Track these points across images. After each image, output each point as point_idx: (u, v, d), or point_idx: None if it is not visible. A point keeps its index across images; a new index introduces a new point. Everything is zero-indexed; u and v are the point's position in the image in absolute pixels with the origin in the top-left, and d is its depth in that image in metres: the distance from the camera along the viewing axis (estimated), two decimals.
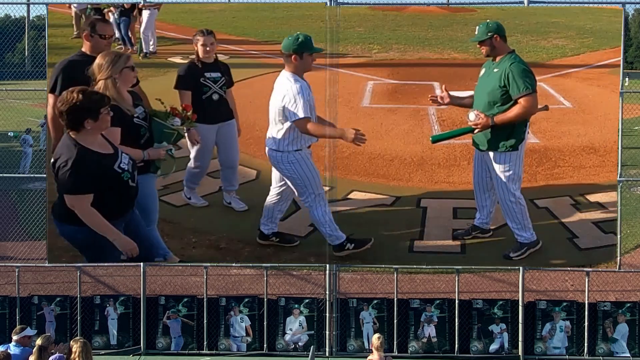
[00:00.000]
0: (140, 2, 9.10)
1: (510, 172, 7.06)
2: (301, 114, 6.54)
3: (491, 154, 7.06)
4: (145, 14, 9.13)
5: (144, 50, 9.40)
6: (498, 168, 7.04)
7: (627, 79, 13.83)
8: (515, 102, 6.85)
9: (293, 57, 6.63)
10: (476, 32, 7.05)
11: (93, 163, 5.16)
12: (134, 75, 5.91)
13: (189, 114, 6.71)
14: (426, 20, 10.89)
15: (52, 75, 6.75)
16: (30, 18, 11.45)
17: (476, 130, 6.88)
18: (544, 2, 8.84)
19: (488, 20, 7.04)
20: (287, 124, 6.70)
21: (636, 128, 20.69)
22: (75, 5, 9.32)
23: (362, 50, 11.08)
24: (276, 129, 6.80)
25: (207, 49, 7.43)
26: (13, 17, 11.70)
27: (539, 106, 7.04)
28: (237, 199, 7.86)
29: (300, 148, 6.83)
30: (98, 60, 5.77)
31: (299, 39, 6.62)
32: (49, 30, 8.95)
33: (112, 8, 10.09)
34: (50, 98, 6.68)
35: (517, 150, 7.07)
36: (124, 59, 5.80)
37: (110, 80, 5.67)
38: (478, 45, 7.06)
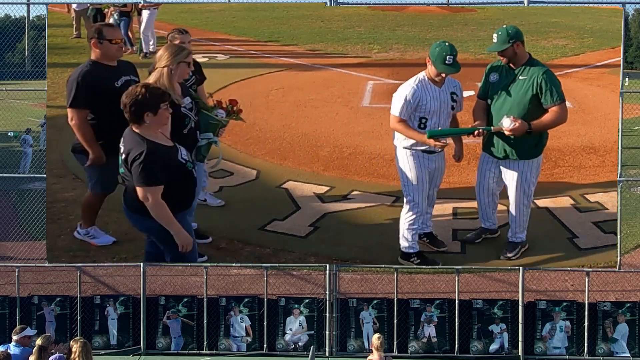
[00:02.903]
0: (140, 2, 9.11)
1: (534, 177, 6.97)
2: (395, 112, 6.74)
3: (513, 161, 6.88)
4: (145, 14, 9.13)
5: (144, 50, 9.41)
6: (521, 174, 6.89)
7: (627, 79, 13.84)
8: (546, 110, 6.67)
9: (427, 61, 6.72)
10: (494, 40, 6.69)
11: (163, 155, 5.40)
12: (188, 72, 6.28)
13: (235, 108, 6.98)
14: (426, 20, 10.89)
15: (68, 89, 6.66)
16: (30, 18, 11.46)
17: (507, 133, 6.59)
18: (544, 2, 8.82)
19: (506, 26, 6.67)
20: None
21: (636, 128, 20.70)
22: (75, 5, 9.32)
23: (362, 50, 11.07)
24: None
25: None
26: (13, 17, 11.70)
27: None
28: (211, 195, 7.80)
29: (408, 146, 6.85)
30: (160, 51, 6.20)
31: (436, 51, 6.61)
32: (49, 30, 8.95)
33: (112, 8, 10.10)
34: (70, 112, 6.63)
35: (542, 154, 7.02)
36: (184, 54, 6.17)
37: (167, 69, 6.05)
38: (498, 54, 6.73)
